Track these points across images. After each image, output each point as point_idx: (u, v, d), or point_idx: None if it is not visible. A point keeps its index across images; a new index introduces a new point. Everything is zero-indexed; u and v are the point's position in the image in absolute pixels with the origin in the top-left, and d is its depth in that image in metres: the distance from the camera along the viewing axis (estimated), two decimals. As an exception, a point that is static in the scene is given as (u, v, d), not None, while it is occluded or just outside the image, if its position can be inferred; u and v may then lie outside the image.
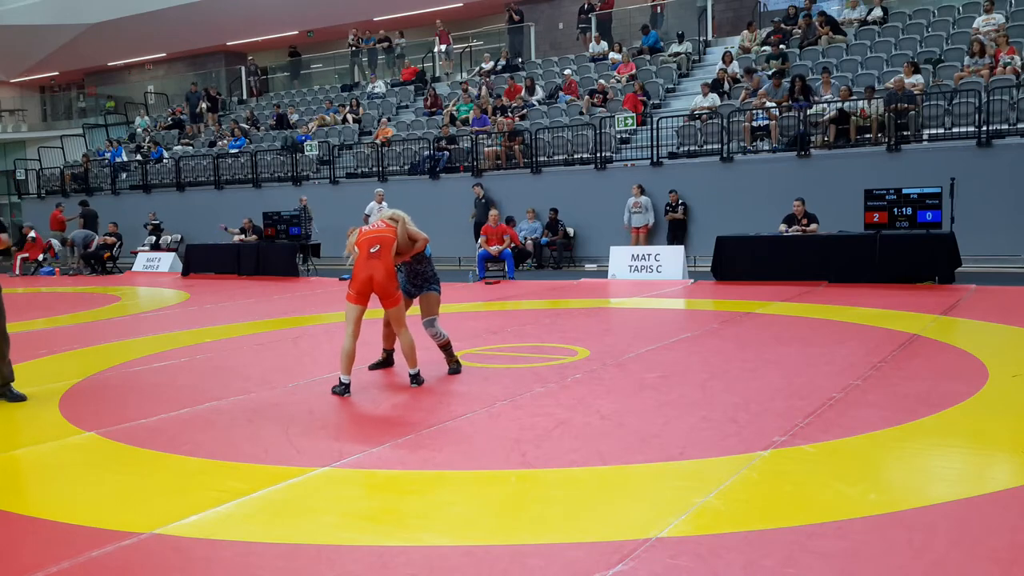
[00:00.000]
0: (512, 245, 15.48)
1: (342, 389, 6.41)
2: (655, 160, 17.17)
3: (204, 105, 27.83)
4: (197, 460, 4.88)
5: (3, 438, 5.54)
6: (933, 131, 15.00)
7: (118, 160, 26.14)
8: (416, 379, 6.65)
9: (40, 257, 21.78)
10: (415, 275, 7.10)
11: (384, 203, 16.39)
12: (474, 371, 7.15)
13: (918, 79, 15.36)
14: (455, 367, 7.12)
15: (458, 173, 19.47)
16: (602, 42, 22.40)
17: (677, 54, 20.46)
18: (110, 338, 9.83)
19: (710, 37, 21.78)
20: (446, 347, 7.11)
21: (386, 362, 7.44)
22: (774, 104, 16.47)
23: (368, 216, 16.27)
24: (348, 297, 6.49)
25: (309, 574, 3.36)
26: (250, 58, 30.16)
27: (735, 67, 18.67)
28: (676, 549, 3.44)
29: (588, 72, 21.41)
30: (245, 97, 29.25)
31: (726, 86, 18.07)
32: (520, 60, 23.93)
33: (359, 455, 4.85)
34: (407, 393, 6.49)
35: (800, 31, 19.00)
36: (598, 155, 17.73)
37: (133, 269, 21.07)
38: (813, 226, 13.50)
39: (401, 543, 3.61)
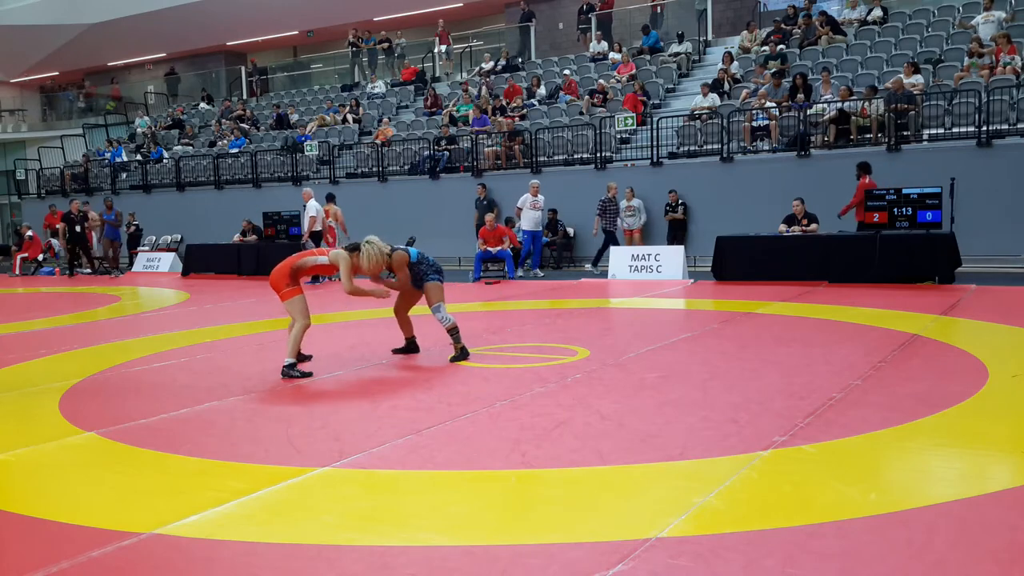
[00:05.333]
0: (511, 247, 15.48)
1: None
2: (655, 160, 17.17)
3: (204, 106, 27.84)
4: (197, 460, 4.88)
5: (3, 438, 5.54)
6: (933, 131, 15.00)
7: (118, 160, 26.15)
8: (287, 371, 7.11)
9: (40, 257, 21.78)
10: (414, 274, 7.71)
11: (540, 196, 16.10)
12: (474, 371, 7.15)
13: (918, 79, 15.36)
14: (459, 354, 7.55)
15: (458, 173, 19.47)
16: (602, 42, 22.42)
17: (677, 54, 20.47)
18: (110, 338, 9.83)
19: (710, 37, 21.80)
20: (452, 331, 7.58)
21: (409, 348, 8.00)
22: (774, 104, 16.47)
23: (521, 209, 16.17)
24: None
25: (309, 574, 3.36)
26: (251, 58, 30.16)
27: (735, 67, 18.67)
28: (676, 549, 3.43)
29: (588, 72, 21.41)
30: (245, 97, 29.25)
31: (726, 86, 18.07)
32: (520, 60, 23.94)
33: (359, 455, 4.84)
34: (407, 393, 6.50)
35: (800, 31, 19.01)
36: (598, 155, 17.73)
37: (133, 269, 21.08)
38: (813, 226, 13.50)
39: (401, 543, 3.61)
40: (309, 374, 7.14)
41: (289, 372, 7.08)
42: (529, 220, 16.01)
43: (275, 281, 7.19)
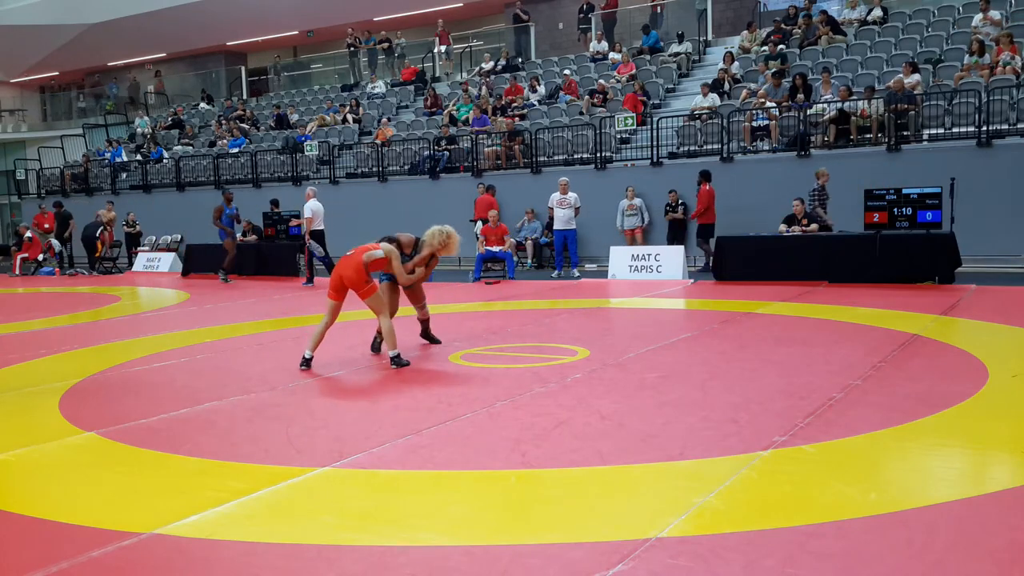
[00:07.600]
0: (509, 238, 15.44)
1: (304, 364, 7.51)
2: (655, 160, 17.17)
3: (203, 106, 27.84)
4: (197, 460, 4.88)
5: (3, 438, 5.54)
6: (933, 131, 14.99)
7: (118, 160, 26.15)
8: (395, 361, 7.44)
9: (40, 257, 21.77)
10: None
11: (570, 193, 15.57)
12: (474, 371, 7.15)
13: (918, 79, 15.36)
14: (432, 340, 8.49)
15: (458, 173, 19.47)
16: (603, 42, 22.41)
17: (677, 54, 20.47)
18: (110, 338, 9.83)
19: (710, 37, 21.79)
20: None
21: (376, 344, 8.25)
22: (774, 104, 16.47)
23: (553, 208, 15.80)
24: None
25: (309, 574, 3.36)
26: (276, 56, 30.11)
27: (735, 67, 18.67)
28: (676, 549, 3.43)
29: (588, 72, 21.41)
30: (245, 96, 29.25)
31: (726, 86, 18.07)
32: (520, 60, 23.94)
33: (359, 455, 4.84)
34: (407, 393, 6.50)
35: (800, 31, 19.00)
36: (598, 155, 17.73)
37: (133, 269, 21.08)
38: (813, 226, 13.50)
39: (401, 543, 3.61)
40: (406, 363, 7.45)
41: (399, 361, 7.40)
42: (559, 219, 15.49)
43: (355, 282, 7.37)
